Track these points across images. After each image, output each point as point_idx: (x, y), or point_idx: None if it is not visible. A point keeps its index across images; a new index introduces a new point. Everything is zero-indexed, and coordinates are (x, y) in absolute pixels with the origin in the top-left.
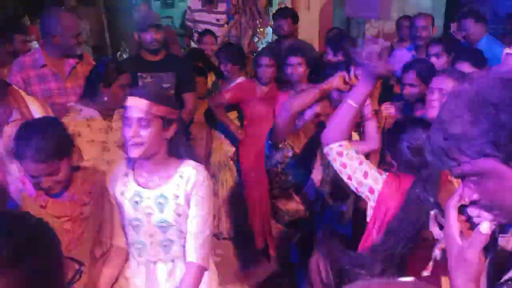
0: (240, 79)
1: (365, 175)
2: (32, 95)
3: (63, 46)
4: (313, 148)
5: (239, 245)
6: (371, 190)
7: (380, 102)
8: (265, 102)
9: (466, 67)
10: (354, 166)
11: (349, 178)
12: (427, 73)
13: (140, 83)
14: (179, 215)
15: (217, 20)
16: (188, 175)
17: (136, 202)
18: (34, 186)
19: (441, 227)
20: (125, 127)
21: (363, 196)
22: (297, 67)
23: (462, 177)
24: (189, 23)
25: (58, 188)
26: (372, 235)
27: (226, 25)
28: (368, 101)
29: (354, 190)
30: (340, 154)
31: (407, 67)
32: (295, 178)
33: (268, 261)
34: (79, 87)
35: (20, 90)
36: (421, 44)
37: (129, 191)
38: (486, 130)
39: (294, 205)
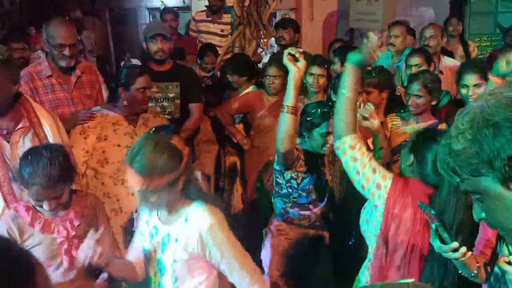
0: (250, 89)
1: (374, 170)
2: (41, 105)
3: (56, 56)
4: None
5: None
6: (378, 186)
7: (386, 114)
8: (272, 113)
9: (474, 80)
10: (364, 161)
11: (357, 173)
12: (432, 84)
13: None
14: (175, 260)
15: (221, 30)
16: (194, 220)
17: (152, 235)
18: (31, 209)
19: (442, 241)
20: None
21: (368, 194)
22: (319, 78)
23: (467, 193)
24: (193, 34)
25: (59, 209)
26: (384, 245)
27: (230, 36)
28: (375, 115)
29: (360, 187)
30: (352, 147)
31: (413, 78)
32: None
33: None
34: (85, 96)
35: (31, 100)
36: (431, 52)
37: (151, 222)
38: (483, 150)
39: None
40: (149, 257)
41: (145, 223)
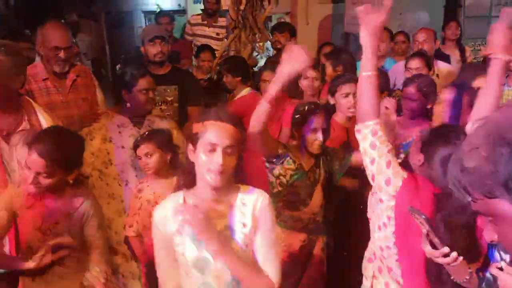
0: (245, 91)
1: (388, 164)
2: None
3: (53, 59)
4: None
5: None
6: (388, 181)
7: None
8: None
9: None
10: (382, 150)
11: (372, 162)
12: (427, 88)
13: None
14: (247, 245)
15: (217, 34)
16: (253, 201)
17: (200, 242)
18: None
19: (433, 246)
20: (208, 154)
21: (376, 186)
22: (314, 81)
23: (479, 214)
24: (188, 37)
25: (41, 191)
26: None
27: (225, 39)
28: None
29: (370, 177)
30: (374, 133)
31: (408, 82)
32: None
33: None
34: (81, 99)
35: (32, 101)
36: None
37: (188, 230)
38: (498, 171)
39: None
40: (203, 265)
41: (176, 233)
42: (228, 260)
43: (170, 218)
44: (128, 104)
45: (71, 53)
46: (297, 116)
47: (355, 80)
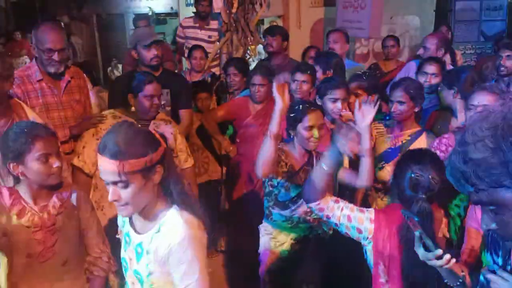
0: (246, 92)
1: (349, 219)
2: (31, 109)
3: (45, 61)
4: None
5: (232, 261)
6: (359, 230)
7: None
8: (258, 121)
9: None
10: (336, 215)
11: (337, 225)
12: (415, 91)
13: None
14: (151, 272)
15: (209, 37)
16: (167, 232)
17: (126, 242)
18: (14, 193)
19: (426, 248)
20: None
21: (355, 238)
22: (302, 84)
23: (480, 204)
24: (180, 40)
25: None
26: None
27: (217, 42)
28: (367, 137)
29: (345, 234)
30: (321, 210)
31: (395, 85)
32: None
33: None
34: (74, 101)
35: (22, 104)
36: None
37: (125, 228)
38: (506, 161)
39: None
40: (125, 266)
41: (121, 229)
42: None
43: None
44: (133, 108)
45: (65, 55)
46: (292, 115)
47: (345, 85)
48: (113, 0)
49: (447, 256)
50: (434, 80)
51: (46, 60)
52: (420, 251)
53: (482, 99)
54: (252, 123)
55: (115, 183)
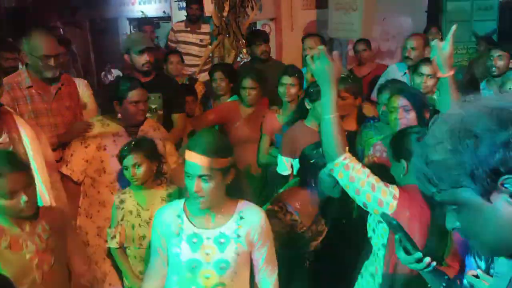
0: (233, 98)
1: (373, 187)
2: (21, 116)
3: (42, 67)
4: None
5: None
6: (380, 203)
7: (360, 122)
8: (249, 124)
9: None
10: (362, 179)
11: (357, 192)
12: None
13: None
14: (238, 254)
15: (200, 40)
16: (250, 216)
17: (194, 243)
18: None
19: (407, 251)
20: (187, 180)
21: (372, 211)
22: (289, 87)
23: (443, 204)
24: (172, 44)
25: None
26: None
27: (209, 46)
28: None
29: (362, 205)
30: (346, 167)
31: (382, 88)
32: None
33: None
34: (64, 108)
35: (12, 112)
36: (410, 64)
37: (185, 232)
38: (464, 162)
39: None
40: (195, 266)
41: (176, 236)
42: None
43: (171, 220)
44: (120, 115)
45: (60, 60)
46: (311, 162)
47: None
48: (106, 5)
49: (427, 259)
50: (430, 82)
51: (42, 67)
52: (401, 255)
53: None
54: (242, 127)
55: (200, 176)
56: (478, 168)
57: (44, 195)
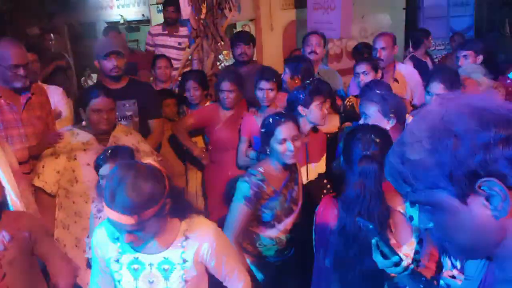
0: (208, 104)
1: None
2: None
3: (9, 77)
4: None
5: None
6: None
7: (342, 122)
8: (229, 127)
9: (439, 89)
10: None
11: None
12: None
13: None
14: (186, 281)
15: (179, 44)
16: (197, 236)
17: (136, 270)
18: None
19: (384, 256)
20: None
21: None
22: (268, 92)
23: (417, 204)
24: (149, 48)
25: None
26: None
27: (188, 49)
28: None
29: None
30: None
31: (365, 89)
32: None
33: None
34: (35, 118)
35: None
36: (382, 66)
37: (125, 258)
38: (442, 162)
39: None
40: None
41: (114, 262)
42: None
43: (108, 243)
44: (84, 123)
45: (30, 69)
46: (263, 130)
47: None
48: (84, 9)
49: (405, 262)
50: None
51: (11, 77)
52: (378, 259)
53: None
54: (222, 130)
55: (130, 231)
56: (457, 170)
57: (16, 202)
